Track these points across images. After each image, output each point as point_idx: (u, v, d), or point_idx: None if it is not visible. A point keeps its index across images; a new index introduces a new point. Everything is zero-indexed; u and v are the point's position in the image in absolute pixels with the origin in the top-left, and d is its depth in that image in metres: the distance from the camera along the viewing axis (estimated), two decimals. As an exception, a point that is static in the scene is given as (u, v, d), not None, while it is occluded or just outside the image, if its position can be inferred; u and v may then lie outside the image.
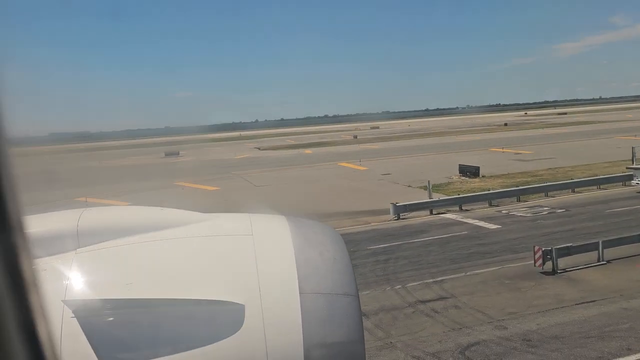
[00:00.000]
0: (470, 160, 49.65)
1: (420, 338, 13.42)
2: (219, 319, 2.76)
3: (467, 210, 28.75)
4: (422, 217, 27.85)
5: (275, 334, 2.66)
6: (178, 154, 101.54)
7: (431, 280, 17.52)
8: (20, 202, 0.84)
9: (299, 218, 3.48)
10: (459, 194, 31.75)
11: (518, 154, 59.36)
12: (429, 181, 32.28)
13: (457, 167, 46.74)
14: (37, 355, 0.82)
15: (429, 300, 15.80)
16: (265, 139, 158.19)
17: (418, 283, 17.31)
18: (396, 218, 27.66)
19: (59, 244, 2.96)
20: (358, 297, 2.94)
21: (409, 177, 44.72)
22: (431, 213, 28.44)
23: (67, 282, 2.75)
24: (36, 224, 3.13)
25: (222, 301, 2.70)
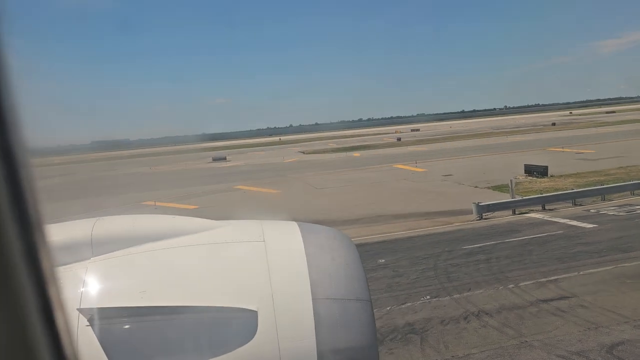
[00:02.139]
0: (530, 160, 48.47)
1: (556, 337, 13.05)
2: (232, 326, 2.73)
3: (550, 209, 27.98)
4: (505, 217, 27.26)
5: (289, 339, 2.64)
6: (225, 158, 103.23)
7: (544, 279, 17.07)
8: (40, 202, 0.86)
9: (310, 224, 3.46)
10: (541, 193, 30.88)
11: (580, 153, 57.55)
12: (511, 180, 31.51)
13: (522, 167, 45.74)
14: (55, 343, 0.85)
15: (551, 300, 15.38)
16: (305, 143, 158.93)
17: (531, 282, 16.89)
18: (478, 218, 27.18)
19: (73, 252, 2.97)
20: (371, 302, 2.91)
21: (473, 178, 43.99)
22: (514, 213, 27.81)
23: (82, 290, 2.74)
24: (50, 234, 3.17)
25: (235, 308, 2.68)
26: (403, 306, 15.85)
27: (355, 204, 36.14)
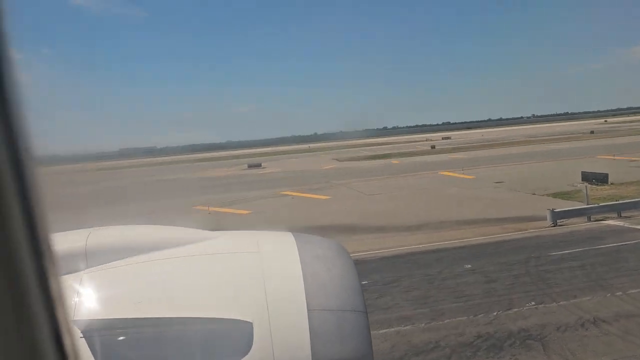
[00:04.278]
0: (582, 168, 47.28)
1: (691, 346, 12.49)
2: (227, 337, 2.68)
3: (627, 217, 27.12)
4: (582, 224, 26.53)
5: (284, 351, 2.62)
6: (260, 165, 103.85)
7: (653, 287, 16.45)
8: (48, 222, 0.87)
9: (305, 234, 3.38)
10: (611, 201, 30.01)
11: (633, 161, 55.93)
12: (585, 185, 30.86)
13: (576, 174, 44.65)
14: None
15: (669, 308, 14.78)
16: (336, 150, 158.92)
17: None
18: (553, 225, 26.51)
19: (67, 264, 2.94)
20: (366, 314, 2.87)
21: (527, 185, 43.11)
22: (589, 220, 27.05)
23: (76, 302, 2.71)
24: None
25: (230, 319, 2.65)
26: (510, 312, 15.43)
27: (413, 210, 35.76)
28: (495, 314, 15.35)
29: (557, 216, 26.68)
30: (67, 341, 0.92)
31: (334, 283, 2.93)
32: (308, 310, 2.73)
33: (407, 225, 30.69)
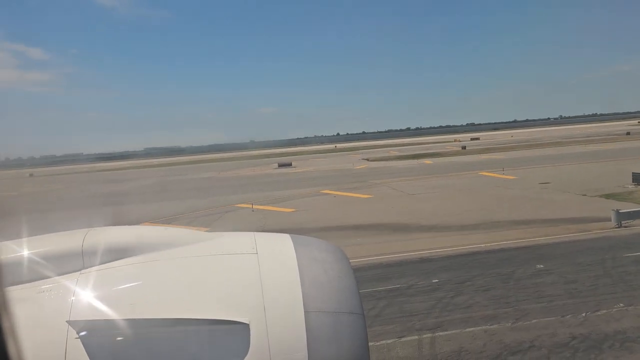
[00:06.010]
0: (626, 169, 46.14)
1: None
2: (223, 339, 2.66)
3: (695, 219, 26.23)
4: (648, 226, 25.77)
5: (281, 352, 2.61)
6: (291, 164, 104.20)
7: None
8: None
9: (303, 236, 3.38)
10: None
11: (683, 162, 54.26)
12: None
13: (624, 175, 43.69)
14: None
15: None
16: (363, 150, 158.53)
17: None
18: (618, 226, 25.81)
19: (63, 264, 2.94)
20: (364, 315, 2.87)
21: (575, 186, 42.18)
22: (654, 222, 26.25)
23: (72, 302, 2.71)
24: (41, 245, 3.04)
25: (227, 320, 2.64)
26: (599, 313, 15.00)
27: (461, 210, 35.26)
28: (584, 315, 14.94)
29: (622, 217, 25.94)
30: (11, 348, 0.92)
31: (331, 285, 2.92)
32: (305, 312, 2.73)
33: (460, 224, 30.28)
